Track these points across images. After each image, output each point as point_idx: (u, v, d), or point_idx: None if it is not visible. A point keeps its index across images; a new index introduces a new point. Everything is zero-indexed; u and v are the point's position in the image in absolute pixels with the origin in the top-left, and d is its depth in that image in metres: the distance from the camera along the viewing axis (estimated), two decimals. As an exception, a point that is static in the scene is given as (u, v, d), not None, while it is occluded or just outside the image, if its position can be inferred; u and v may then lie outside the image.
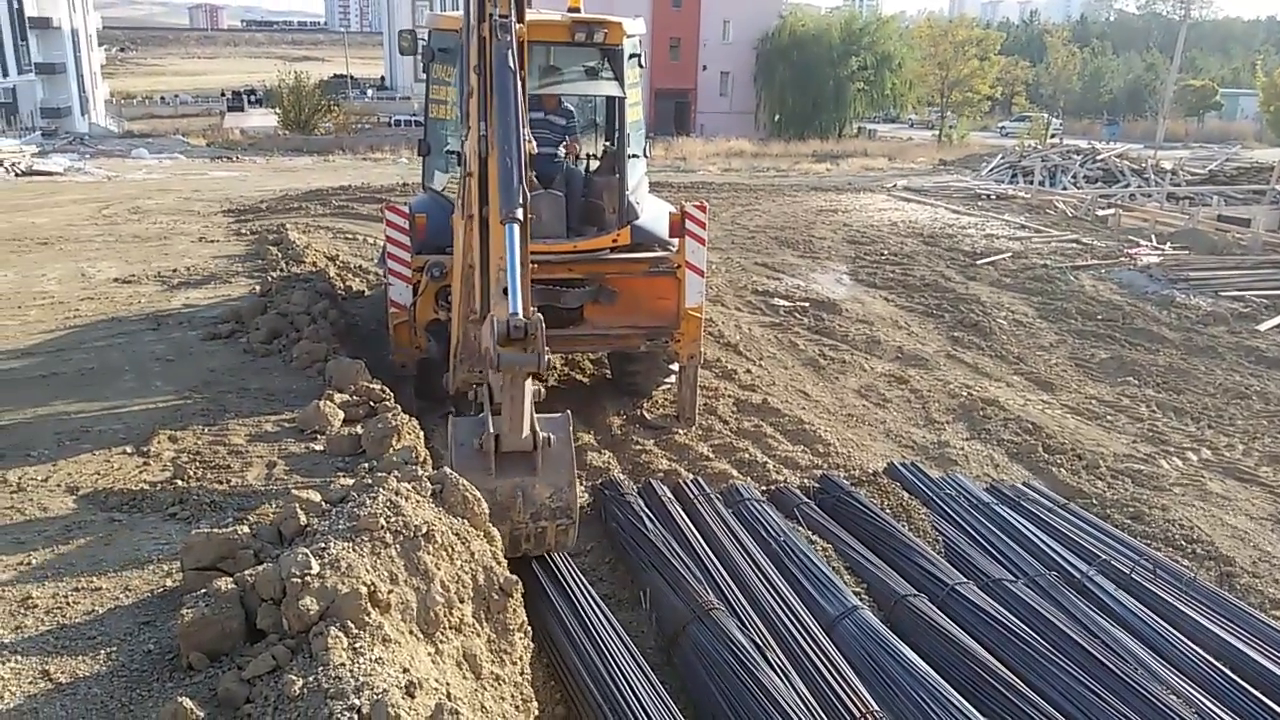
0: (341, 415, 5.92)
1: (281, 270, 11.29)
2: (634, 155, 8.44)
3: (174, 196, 19.29)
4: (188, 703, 2.78)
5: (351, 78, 79.83)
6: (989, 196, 24.52)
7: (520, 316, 4.50)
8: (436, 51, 8.36)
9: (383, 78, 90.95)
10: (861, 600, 5.58)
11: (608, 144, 8.85)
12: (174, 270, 11.18)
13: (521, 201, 4.81)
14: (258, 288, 10.05)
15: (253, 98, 73.31)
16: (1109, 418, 9.53)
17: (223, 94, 74.21)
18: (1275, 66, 57.63)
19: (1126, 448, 8.74)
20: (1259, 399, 10.14)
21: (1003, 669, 4.98)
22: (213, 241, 13.98)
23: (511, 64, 5.11)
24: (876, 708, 4.53)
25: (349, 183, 22.33)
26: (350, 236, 15.83)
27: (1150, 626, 5.49)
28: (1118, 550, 6.32)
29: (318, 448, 5.54)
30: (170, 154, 32.95)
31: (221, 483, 4.90)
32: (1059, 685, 4.88)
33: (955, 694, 4.70)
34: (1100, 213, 22.21)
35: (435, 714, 2.68)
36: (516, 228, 4.66)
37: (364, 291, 11.77)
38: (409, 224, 7.95)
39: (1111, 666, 5.00)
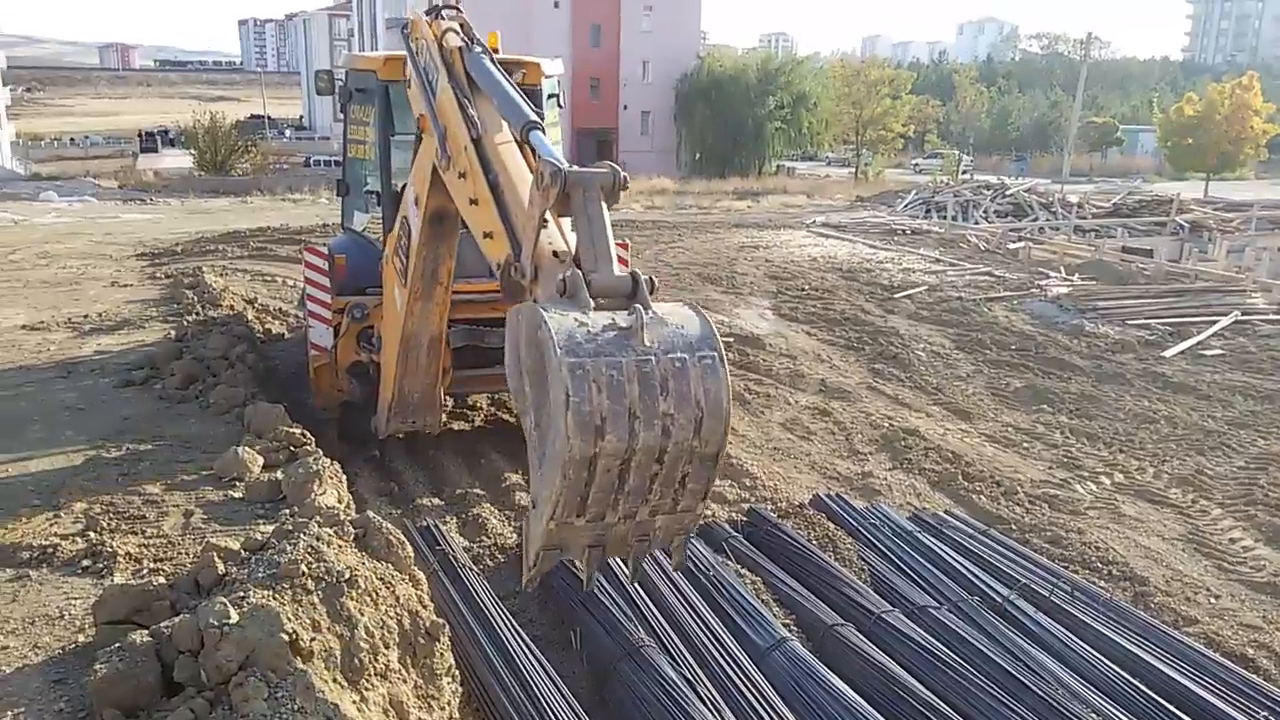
0: (261, 461, 5.81)
1: (198, 314, 11.07)
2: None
3: (85, 240, 18.79)
4: (100, 764, 2.69)
5: (269, 118, 78.89)
6: (904, 232, 25.16)
7: (559, 163, 3.71)
8: (354, 92, 8.33)
9: (301, 118, 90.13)
10: (790, 631, 5.62)
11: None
12: (85, 316, 10.87)
13: (536, 110, 4.51)
14: (173, 332, 9.84)
15: (167, 138, 71.89)
16: (1025, 445, 9.78)
17: (140, 135, 72.60)
18: (1171, 103, 60.29)
19: (1042, 473, 8.97)
20: (1166, 423, 10.49)
21: (929, 694, 5.05)
22: (126, 286, 13.66)
23: (489, 65, 5.07)
24: (807, 739, 4.56)
25: (267, 224, 22.03)
26: (269, 279, 15.61)
27: (1069, 647, 5.62)
28: (1037, 574, 6.47)
29: (236, 495, 5.42)
30: (81, 196, 32.05)
31: (136, 533, 4.75)
32: (983, 708, 4.97)
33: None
34: (1011, 246, 22.94)
35: (361, 763, 2.63)
36: (538, 131, 4.23)
37: (284, 334, 11.61)
38: (329, 265, 7.88)
39: (1033, 687, 5.10)
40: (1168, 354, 13.37)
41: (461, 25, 5.65)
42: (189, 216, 25.44)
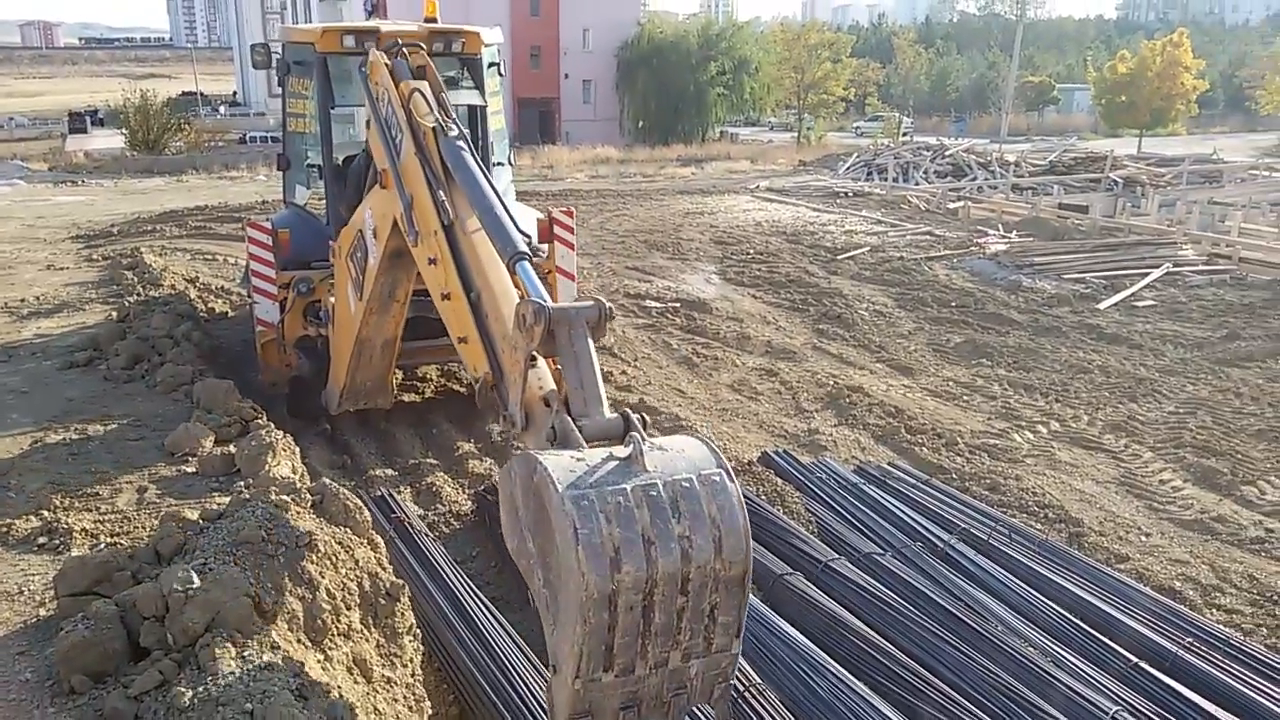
0: (213, 436, 5.83)
1: (139, 295, 10.92)
2: (499, 163, 8.52)
3: (16, 224, 18.35)
4: (73, 724, 2.76)
5: (202, 94, 77.01)
6: (847, 194, 25.44)
7: (543, 302, 3.61)
8: (292, 64, 8.28)
9: (234, 93, 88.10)
10: (742, 583, 5.79)
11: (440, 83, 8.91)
12: (22, 300, 10.69)
13: (526, 239, 4.17)
14: (114, 314, 9.71)
15: (96, 118, 69.87)
16: (965, 398, 10.06)
17: (68, 115, 70.46)
18: (1105, 62, 61.24)
19: (982, 424, 9.25)
20: (1100, 372, 10.84)
21: (876, 637, 5.25)
22: (62, 269, 13.40)
23: (468, 158, 4.71)
24: (760, 681, 4.73)
25: (205, 203, 21.69)
26: (210, 257, 15.42)
27: (1008, 586, 5.86)
28: (976, 519, 6.71)
29: (190, 470, 5.44)
30: (8, 180, 31.18)
31: (90, 510, 4.77)
32: (928, 647, 5.18)
33: (834, 664, 4.94)
34: (950, 206, 23.32)
35: (332, 710, 2.73)
36: (526, 263, 3.98)
37: (227, 313, 11.51)
38: (272, 240, 7.86)
39: (975, 626, 5.33)
40: (1102, 306, 13.77)
41: (430, 81, 5.37)
42: (123, 197, 24.91)
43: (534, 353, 3.62)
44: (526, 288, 3.84)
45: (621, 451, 3.02)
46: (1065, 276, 15.47)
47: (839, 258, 16.78)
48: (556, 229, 8.08)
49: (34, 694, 3.15)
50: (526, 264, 3.95)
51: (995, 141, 40.75)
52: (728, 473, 3.07)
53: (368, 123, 5.93)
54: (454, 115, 5.16)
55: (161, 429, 6.17)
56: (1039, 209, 21.93)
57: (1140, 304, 13.98)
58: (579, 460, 2.95)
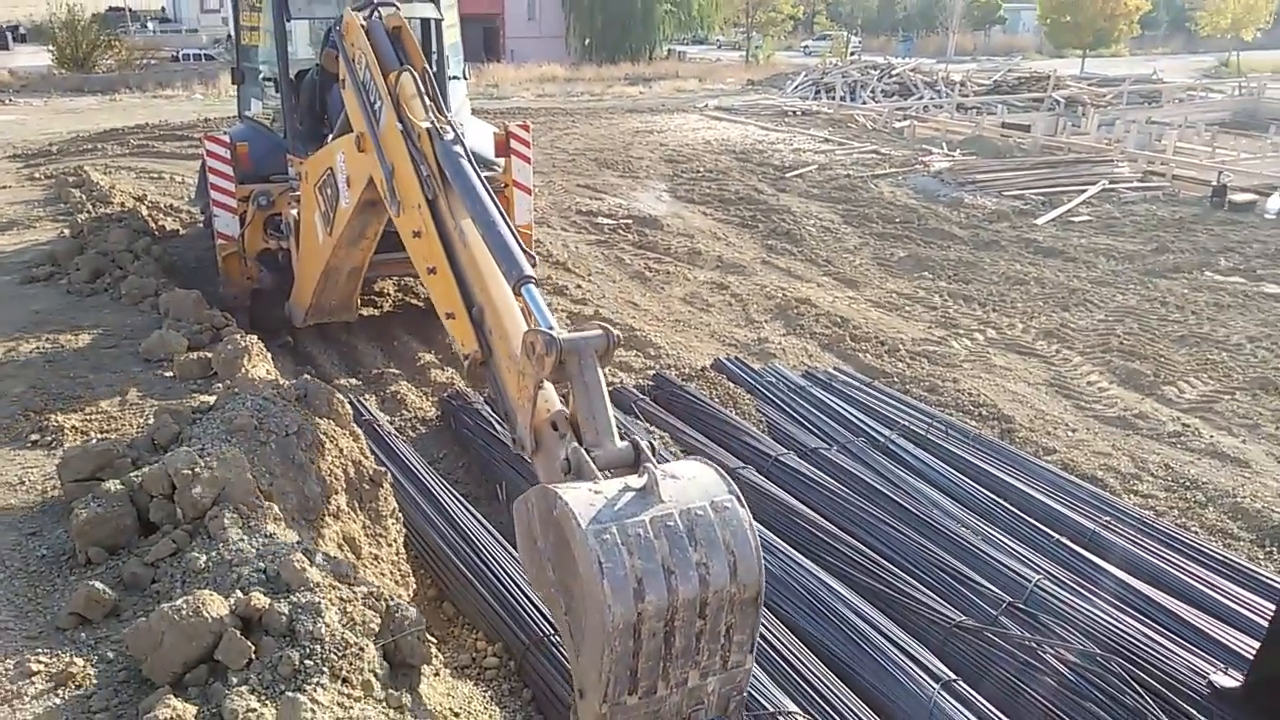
0: (186, 343, 5.99)
1: (89, 212, 10.87)
2: (454, 77, 8.59)
3: (-52, 143, 17.92)
4: (99, 585, 3.02)
5: (130, 10, 74.12)
6: (795, 113, 25.59)
7: (559, 330, 3.52)
8: (245, -24, 8.23)
9: (163, 9, 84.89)
10: (697, 476, 6.15)
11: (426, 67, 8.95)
12: (-31, 218, 10.60)
13: (531, 260, 3.98)
14: (67, 230, 9.70)
15: (18, 34, 67.04)
16: (907, 308, 10.47)
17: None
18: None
19: (922, 333, 9.67)
20: (1036, 284, 11.31)
21: (823, 521, 5.64)
22: (4, 188, 13.25)
23: (466, 165, 4.47)
24: (716, 561, 5.10)
25: (144, 121, 21.25)
26: (156, 176, 15.25)
27: (944, 476, 6.29)
28: (916, 416, 7.13)
29: (168, 374, 5.62)
30: (-69, 98, 30.09)
31: (76, 411, 4.96)
32: (870, 529, 5.60)
33: (783, 544, 5.34)
34: (897, 124, 23.61)
35: (337, 567, 3.03)
36: (532, 286, 3.86)
37: (179, 231, 11.48)
38: (231, 154, 7.90)
39: (913, 510, 5.75)
40: (1039, 221, 14.24)
41: (409, 51, 5.23)
42: (56, 116, 24.29)
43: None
44: (535, 314, 3.73)
45: (636, 482, 3.07)
46: (1006, 193, 15.90)
47: (787, 175, 17.03)
48: (514, 143, 8.22)
49: (52, 567, 3.39)
50: (533, 287, 3.82)
51: (942, 61, 40.97)
52: (738, 498, 3.17)
53: (342, 82, 5.78)
54: (448, 114, 4.93)
55: (133, 338, 6.31)
56: (982, 128, 22.32)
57: (1076, 219, 14.47)
58: (597, 493, 3.01)
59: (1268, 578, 5.31)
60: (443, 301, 4.46)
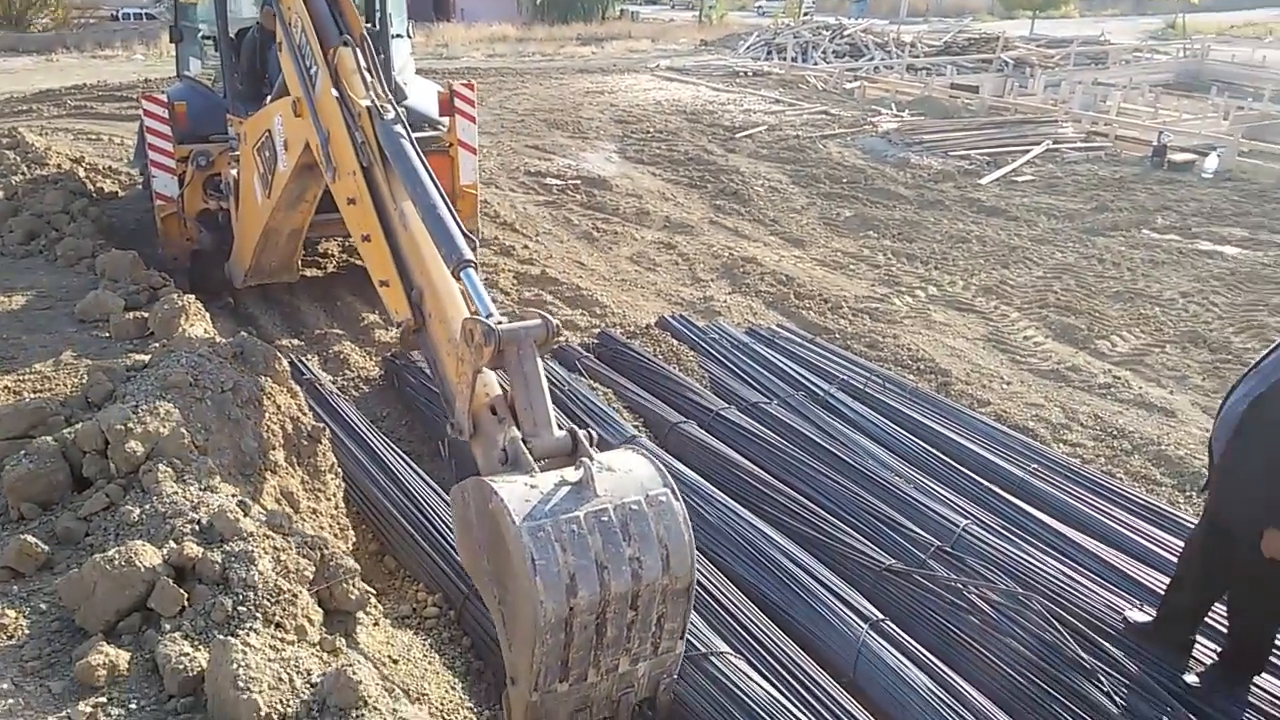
0: (123, 303, 5.94)
1: (24, 174, 10.63)
2: (397, 35, 8.52)
3: (-125, 104, 17.38)
4: (31, 539, 3.05)
5: (66, -33, 71.82)
6: (746, 74, 25.56)
7: (498, 317, 3.61)
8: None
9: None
10: (639, 431, 6.25)
11: (369, 25, 8.84)
12: (-102, 181, 10.31)
13: (470, 243, 3.99)
14: (1, 192, 9.49)
15: (-52, -8, 64.79)
16: (851, 267, 10.61)
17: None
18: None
19: (866, 290, 9.82)
20: (978, 242, 11.49)
21: (761, 472, 5.77)
22: (-65, 149, 12.85)
23: (407, 145, 4.43)
24: (655, 512, 5.21)
25: (81, 82, 20.73)
26: (94, 137, 14.95)
27: (880, 428, 6.45)
28: (855, 371, 7.28)
29: (104, 335, 5.57)
30: None
31: (10, 372, 4.91)
32: (807, 480, 5.73)
33: (722, 495, 5.45)
34: (847, 86, 23.68)
35: (271, 518, 3.08)
36: (472, 270, 3.89)
37: (117, 193, 11.28)
38: (169, 113, 7.80)
39: (849, 461, 5.89)
40: (984, 181, 14.43)
41: (349, 22, 5.15)
42: (-9, 76, 23.60)
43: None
44: (474, 299, 3.78)
45: (572, 476, 3.14)
46: (952, 154, 16.07)
47: (737, 136, 17.07)
48: (457, 102, 8.17)
49: (-16, 523, 3.40)
50: (472, 271, 3.87)
51: (894, 22, 40.95)
52: (672, 491, 3.27)
53: (279, 45, 5.72)
54: (388, 91, 4.88)
55: (68, 299, 6.24)
56: (931, 89, 22.45)
57: (1020, 179, 14.69)
58: (532, 488, 3.08)
59: (1186, 521, 5.53)
60: (377, 269, 4.48)
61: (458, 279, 3.94)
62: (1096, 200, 13.38)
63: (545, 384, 3.50)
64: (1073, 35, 36.69)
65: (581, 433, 3.42)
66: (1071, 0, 58.19)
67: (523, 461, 3.25)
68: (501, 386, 3.67)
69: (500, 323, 3.48)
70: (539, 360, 3.51)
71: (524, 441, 3.32)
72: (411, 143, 4.46)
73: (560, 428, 3.48)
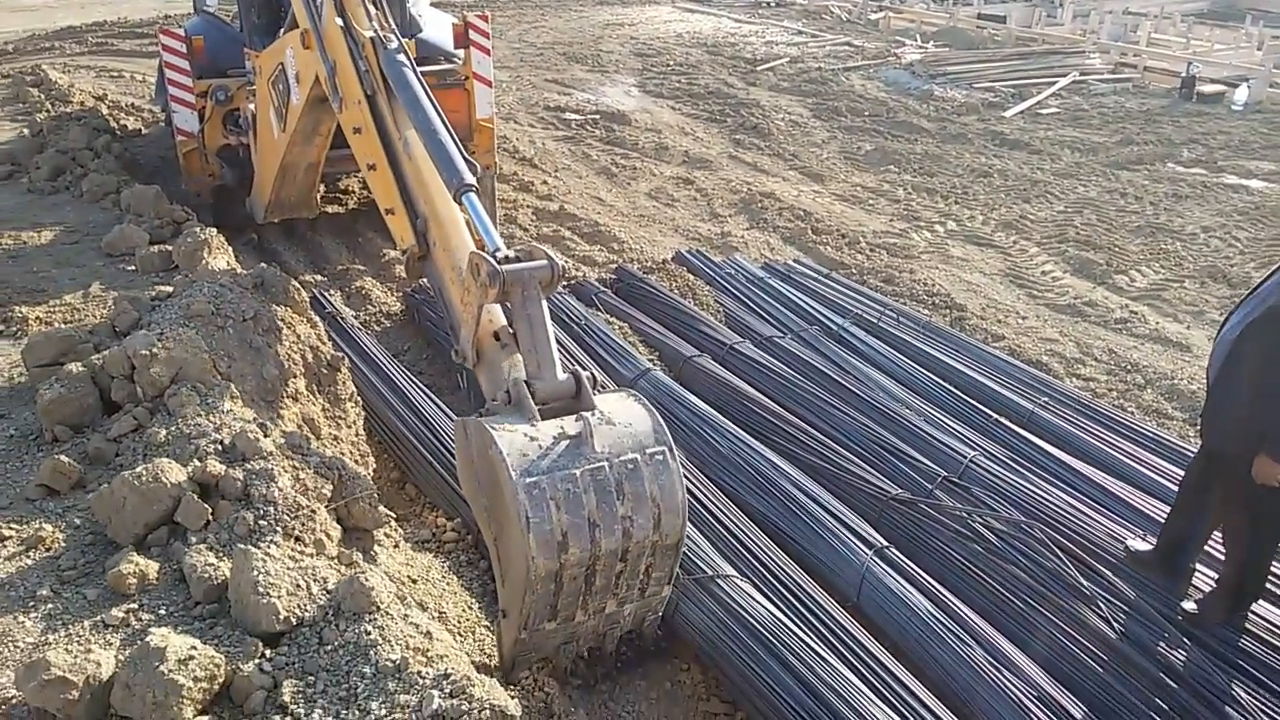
0: (148, 237, 6.06)
1: (49, 111, 10.74)
2: (412, -34, 8.46)
3: (-101, 40, 17.46)
4: (64, 458, 3.19)
5: (83, -100, 71.15)
6: (769, 4, 25.12)
7: (504, 252, 3.63)
8: None
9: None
10: (654, 365, 6.34)
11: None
12: (-76, 118, 10.46)
13: (472, 168, 4.03)
14: (26, 130, 9.61)
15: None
16: (870, 202, 10.58)
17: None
18: None
19: (884, 225, 9.80)
20: (999, 176, 11.40)
21: (775, 405, 5.86)
22: (-41, 87, 12.96)
23: (410, 74, 4.49)
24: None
25: (102, 19, 20.68)
26: (116, 74, 14.98)
27: (892, 361, 6.50)
28: (870, 306, 7.32)
29: (130, 268, 5.71)
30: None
31: (40, 304, 5.06)
32: (817, 411, 5.82)
33: (734, 427, 5.55)
34: (872, 16, 23.23)
35: (291, 439, 3.20)
36: (474, 195, 3.92)
37: (140, 130, 11.38)
38: (187, 48, 7.83)
39: (860, 393, 5.97)
40: (1008, 114, 14.24)
41: None
42: (10, 15, 23.50)
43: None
44: (478, 227, 3.81)
45: (572, 428, 3.18)
46: (976, 85, 15.83)
47: (758, 69, 16.88)
48: (472, 34, 8.15)
49: (20, 446, 3.55)
50: (473, 196, 3.88)
51: (921, -49, 40.08)
52: (670, 449, 3.30)
53: None
54: (392, 21, 4.96)
55: (94, 234, 6.37)
56: (957, 19, 22.00)
57: (1045, 111, 14.47)
58: (532, 440, 3.11)
59: (1194, 453, 5.58)
60: (382, 197, 4.56)
61: (459, 203, 3.99)
62: (1122, 133, 13.19)
63: (549, 325, 3.52)
64: (1106, -36, 35.72)
65: (585, 374, 3.44)
66: (1107, -73, 56.55)
67: (525, 406, 3.28)
68: (506, 317, 3.72)
69: (507, 257, 3.52)
70: (543, 301, 3.52)
71: (527, 384, 3.36)
72: (414, 72, 4.51)
73: (565, 370, 3.50)
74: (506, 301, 3.54)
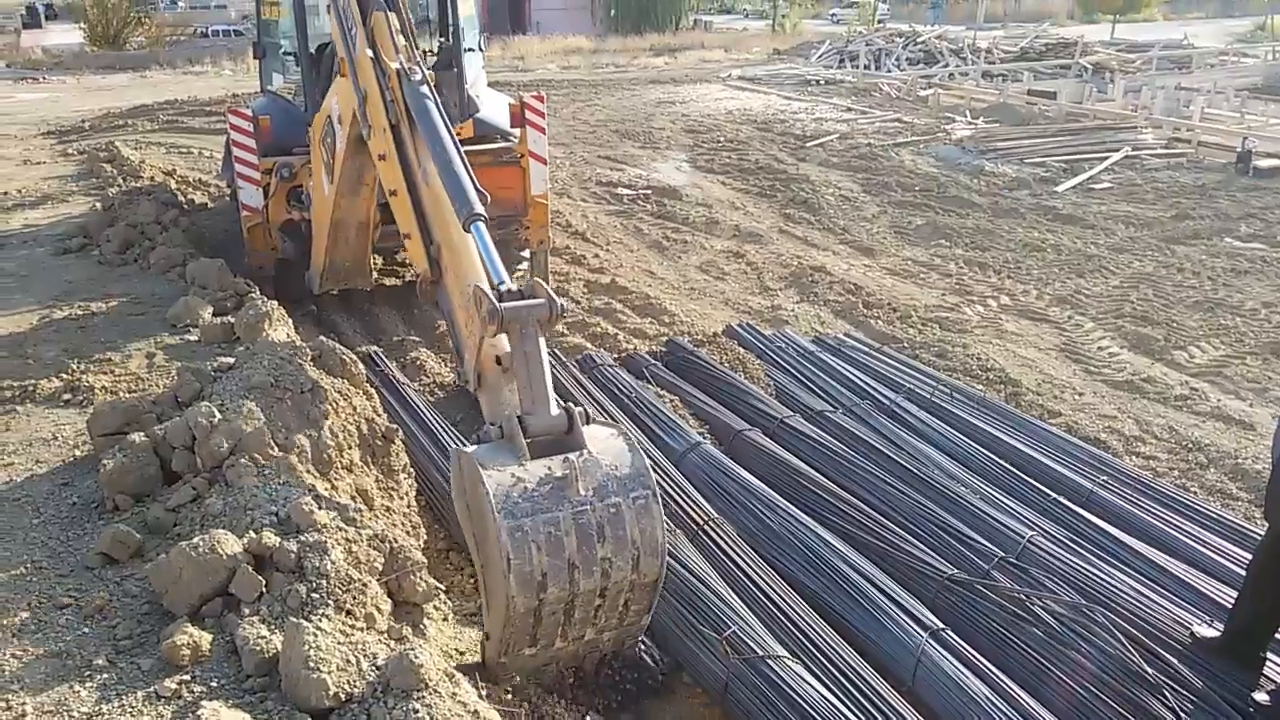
0: (210, 309, 6.22)
1: (120, 186, 11.16)
2: (469, 49, 8.73)
3: (-16, 121, 18.30)
4: (124, 527, 3.25)
5: (159, -13, 74.57)
6: (818, 82, 25.49)
7: (507, 285, 3.78)
8: (264, -48, 8.40)
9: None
10: (704, 438, 6.32)
11: (442, 40, 9.10)
12: (4, 193, 10.91)
13: (483, 198, 4.18)
14: (99, 204, 9.97)
15: (50, 12, 67.71)
16: (922, 275, 10.55)
17: (23, 10, 68.19)
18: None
19: (936, 299, 9.76)
20: (1052, 250, 11.34)
21: (826, 481, 5.80)
22: (39, 164, 13.54)
23: (431, 106, 4.71)
24: (718, 516, 5.29)
25: (173, 97, 21.54)
26: (185, 150, 15.52)
27: (946, 438, 6.42)
28: (922, 381, 7.25)
29: (192, 339, 5.86)
30: (-34, 78, 30.61)
31: (106, 373, 5.20)
32: (870, 488, 5.75)
33: (785, 502, 5.50)
34: (921, 93, 23.45)
35: (343, 511, 3.23)
36: (481, 224, 4.05)
37: (207, 204, 11.74)
38: (254, 127, 8.11)
39: (914, 470, 5.89)
40: (1060, 189, 14.20)
41: (399, 16, 5.32)
42: (88, 94, 24.64)
43: None
44: (484, 259, 3.96)
45: (559, 469, 3.29)
46: (1027, 161, 15.84)
47: (808, 145, 17.05)
48: (528, 113, 8.36)
49: (82, 513, 3.63)
50: (481, 226, 4.02)
51: (970, 28, 40.43)
52: (653, 493, 3.41)
53: (328, 8, 6.12)
54: (419, 55, 5.20)
55: (160, 305, 6.56)
56: (1007, 95, 22.13)
57: (1098, 186, 14.42)
58: (519, 481, 3.22)
59: (1260, 535, 5.41)
60: (402, 223, 4.79)
61: (468, 232, 4.11)
62: (1177, 208, 13.07)
63: (546, 361, 3.62)
64: (1155, 39, 35.81)
65: (578, 410, 3.54)
66: (1154, 3, 56.74)
67: (516, 442, 3.38)
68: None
69: (510, 291, 3.65)
70: (541, 339, 3.62)
71: (520, 419, 3.44)
72: (436, 104, 4.75)
73: (558, 405, 3.59)
74: (506, 336, 3.68)
